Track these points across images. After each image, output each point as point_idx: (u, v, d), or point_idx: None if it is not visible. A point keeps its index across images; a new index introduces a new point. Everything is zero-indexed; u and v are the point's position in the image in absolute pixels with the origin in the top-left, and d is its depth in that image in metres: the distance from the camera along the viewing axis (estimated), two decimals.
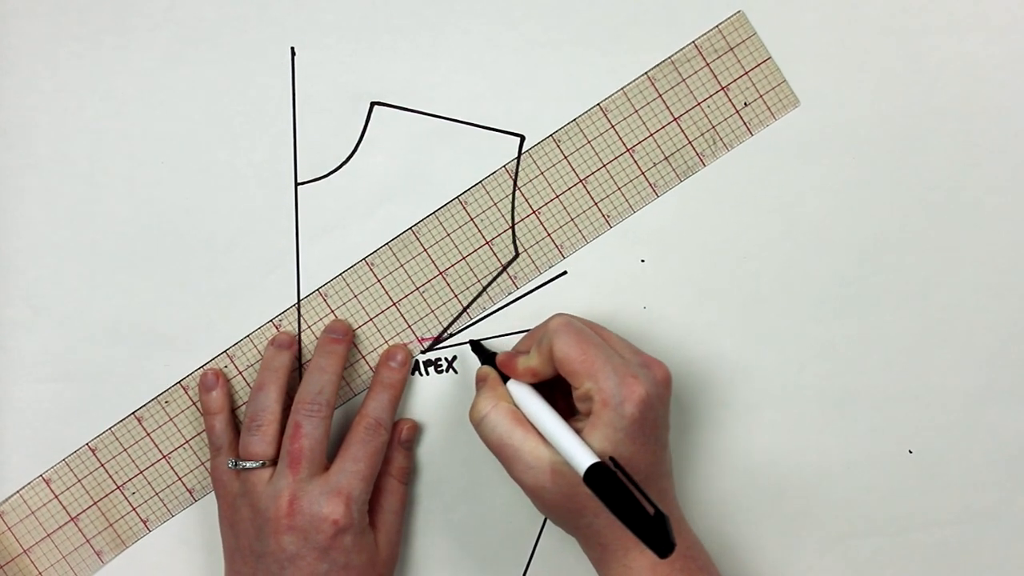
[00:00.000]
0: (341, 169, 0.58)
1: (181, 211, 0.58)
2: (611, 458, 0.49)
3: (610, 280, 0.58)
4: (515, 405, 0.53)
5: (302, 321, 0.58)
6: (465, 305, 0.59)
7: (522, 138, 0.58)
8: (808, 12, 0.57)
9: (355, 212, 0.58)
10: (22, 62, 0.57)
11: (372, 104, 0.58)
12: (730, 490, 0.59)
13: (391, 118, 0.58)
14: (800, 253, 0.58)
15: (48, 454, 0.59)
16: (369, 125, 0.58)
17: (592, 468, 0.48)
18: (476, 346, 0.58)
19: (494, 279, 0.58)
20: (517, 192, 0.58)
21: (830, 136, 0.57)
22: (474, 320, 0.59)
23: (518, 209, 0.58)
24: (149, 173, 0.58)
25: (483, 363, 0.57)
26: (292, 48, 0.57)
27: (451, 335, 0.59)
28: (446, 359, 0.59)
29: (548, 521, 0.59)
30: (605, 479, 0.48)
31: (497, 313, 0.59)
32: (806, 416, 0.59)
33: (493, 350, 0.57)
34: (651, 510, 0.46)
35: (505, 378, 0.54)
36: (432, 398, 0.59)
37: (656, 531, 0.46)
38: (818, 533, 0.59)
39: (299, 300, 0.58)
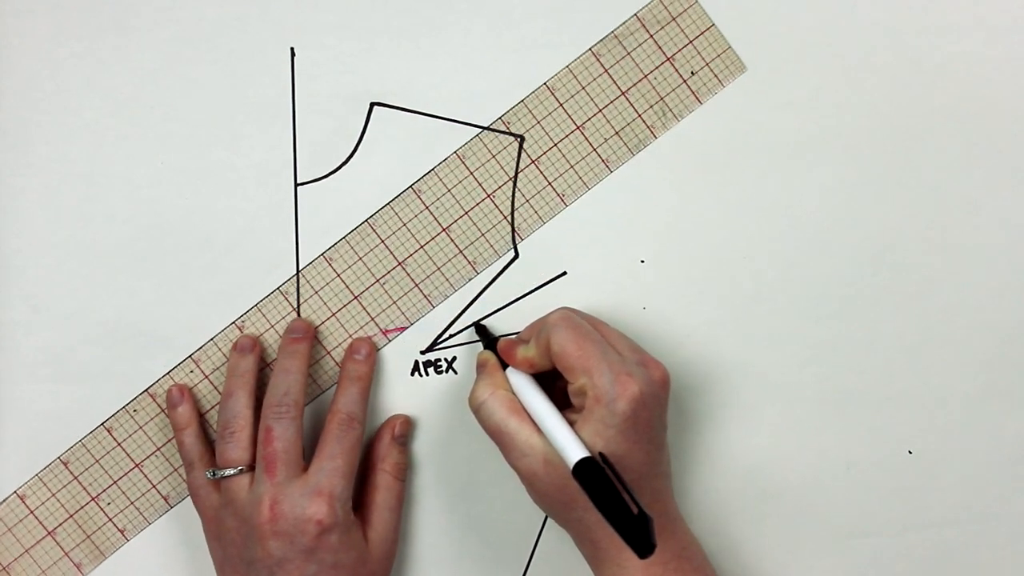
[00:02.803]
0: (341, 169, 0.58)
1: (181, 211, 0.58)
2: (600, 454, 0.49)
3: (610, 280, 0.58)
4: (513, 393, 0.53)
5: (266, 321, 0.58)
6: (467, 304, 0.59)
7: (521, 139, 0.58)
8: None
9: (355, 212, 0.58)
10: (22, 62, 0.57)
11: (372, 104, 0.57)
12: (730, 490, 0.59)
13: (391, 118, 0.58)
14: (800, 253, 0.58)
15: (47, 454, 0.59)
16: (369, 125, 0.58)
17: (580, 462, 0.48)
18: (480, 329, 0.58)
19: (491, 281, 0.58)
20: (470, 178, 0.57)
21: (830, 137, 0.57)
22: (476, 320, 0.59)
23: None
24: (149, 173, 0.58)
25: (485, 347, 0.57)
26: (292, 48, 0.57)
27: (451, 335, 0.59)
28: (446, 359, 0.59)
29: (548, 521, 0.59)
30: (593, 474, 0.48)
31: (497, 313, 0.59)
32: (806, 416, 0.59)
33: (496, 334, 0.57)
34: (635, 509, 0.46)
35: (505, 364, 0.55)
36: (432, 398, 0.59)
37: (638, 531, 0.46)
38: (818, 533, 0.59)
39: (298, 301, 0.58)
